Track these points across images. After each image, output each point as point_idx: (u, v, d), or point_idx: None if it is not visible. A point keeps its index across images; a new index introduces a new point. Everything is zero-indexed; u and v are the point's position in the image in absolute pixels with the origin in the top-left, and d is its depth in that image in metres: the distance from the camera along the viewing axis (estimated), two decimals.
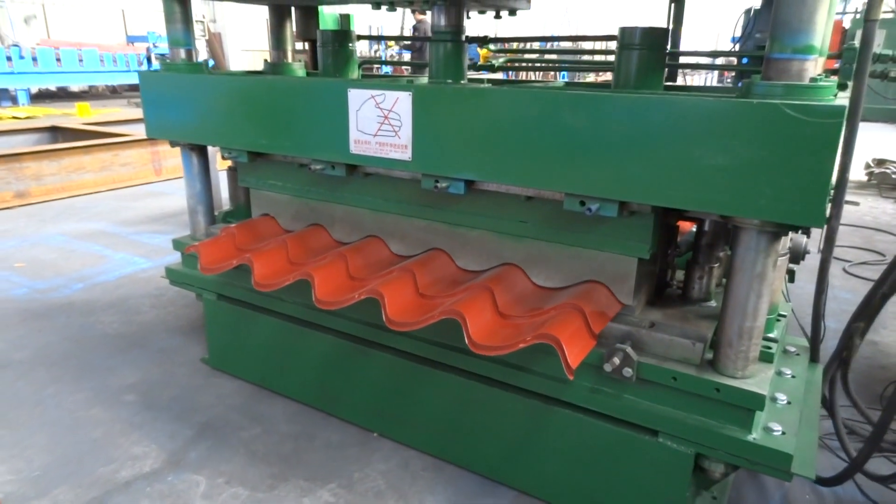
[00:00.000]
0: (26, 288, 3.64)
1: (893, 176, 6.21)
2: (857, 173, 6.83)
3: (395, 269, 2.03)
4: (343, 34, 2.51)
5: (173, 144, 2.62)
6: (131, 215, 5.26)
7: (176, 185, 6.41)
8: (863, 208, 5.74)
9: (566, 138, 1.61)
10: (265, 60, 2.92)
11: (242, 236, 2.45)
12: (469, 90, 1.78)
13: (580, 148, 1.60)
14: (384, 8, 2.70)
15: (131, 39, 18.29)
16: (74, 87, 15.85)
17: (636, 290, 1.81)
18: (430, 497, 2.00)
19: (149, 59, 14.95)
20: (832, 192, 1.86)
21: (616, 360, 1.69)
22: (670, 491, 1.76)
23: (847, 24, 11.60)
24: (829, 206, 1.74)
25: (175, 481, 2.05)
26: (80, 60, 13.77)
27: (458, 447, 2.14)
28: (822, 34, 1.38)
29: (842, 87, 1.91)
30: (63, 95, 15.65)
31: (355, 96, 1.95)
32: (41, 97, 15.00)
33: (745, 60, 2.54)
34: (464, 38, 2.12)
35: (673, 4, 2.55)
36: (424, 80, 2.41)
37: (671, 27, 2.63)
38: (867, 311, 2.01)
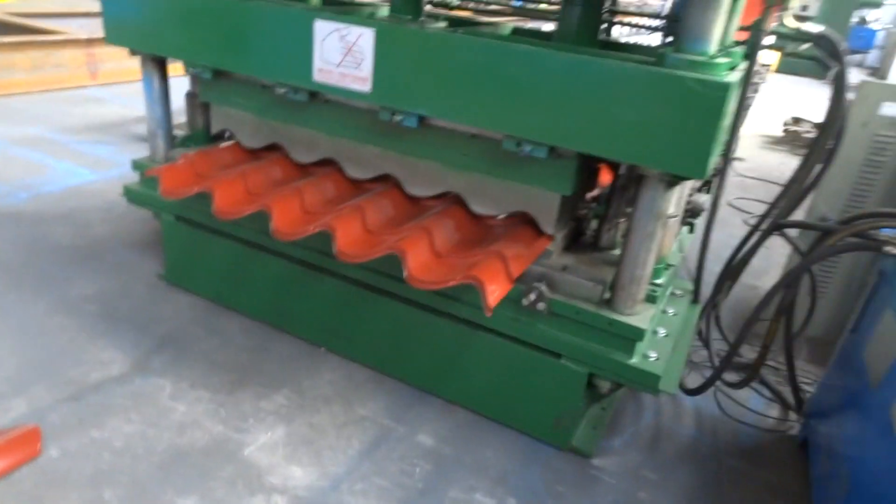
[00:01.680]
0: None
1: (804, 136, 6.77)
2: (775, 129, 7.39)
3: (346, 206, 2.27)
4: None
5: (133, 53, 2.66)
6: (71, 122, 5.14)
7: (114, 92, 6.21)
8: (772, 163, 6.30)
9: (508, 86, 1.85)
10: None
11: (202, 163, 2.59)
12: (427, 34, 1.95)
13: (519, 95, 1.84)
14: None
15: None
16: None
17: (557, 224, 2.13)
18: (372, 403, 2.35)
19: None
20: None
21: (532, 297, 2.04)
22: (568, 401, 2.17)
23: None
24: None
25: (143, 384, 2.31)
26: None
27: (396, 362, 2.49)
28: (718, 41, 1.66)
29: (748, 56, 2.19)
30: None
31: (321, 27, 2.08)
32: None
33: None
34: None
35: None
36: (384, 9, 2.54)
37: None
38: (731, 272, 2.44)
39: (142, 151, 4.51)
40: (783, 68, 12.05)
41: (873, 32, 11.85)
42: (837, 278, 2.99)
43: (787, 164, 6.27)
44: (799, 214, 2.81)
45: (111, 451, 2.00)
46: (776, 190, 2.50)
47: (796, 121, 7.10)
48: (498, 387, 2.30)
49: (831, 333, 2.95)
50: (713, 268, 2.61)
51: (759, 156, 6.45)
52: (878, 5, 11.84)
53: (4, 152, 4.35)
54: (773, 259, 3.96)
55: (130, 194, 2.85)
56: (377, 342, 2.50)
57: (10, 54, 5.59)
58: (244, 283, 2.76)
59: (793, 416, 2.54)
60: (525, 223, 2.21)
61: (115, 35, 2.60)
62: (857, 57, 12.17)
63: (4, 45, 5.55)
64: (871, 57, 12.61)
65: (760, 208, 4.85)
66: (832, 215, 2.77)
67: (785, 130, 7.08)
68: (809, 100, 9.97)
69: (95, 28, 7.49)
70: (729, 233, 4.27)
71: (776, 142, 7.08)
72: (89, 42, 6.24)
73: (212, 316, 2.76)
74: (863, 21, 11.67)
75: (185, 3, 2.36)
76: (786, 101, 9.42)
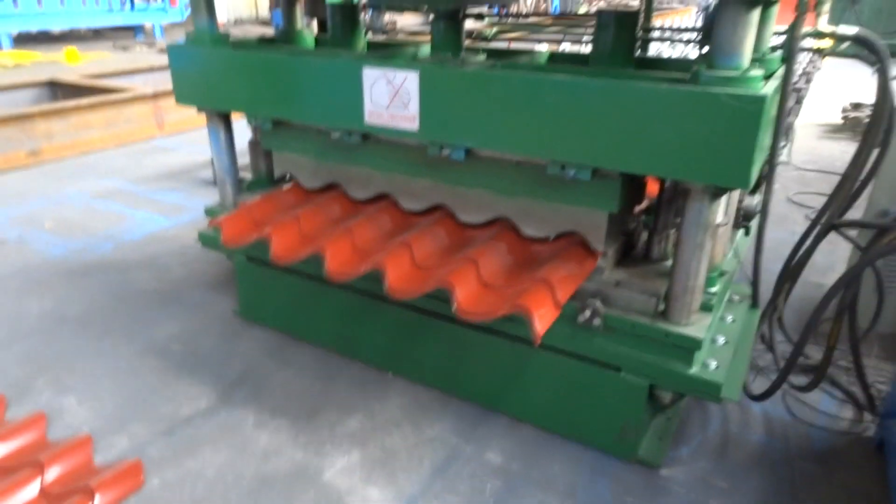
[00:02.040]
0: (62, 248, 3.99)
1: (864, 122, 6.51)
2: (833, 117, 7.13)
3: (395, 242, 2.36)
4: (351, 8, 2.78)
5: (201, 111, 2.90)
6: (143, 173, 5.54)
7: (180, 141, 6.64)
8: (834, 153, 6.09)
9: (548, 114, 1.94)
10: (276, 26, 3.11)
11: (260, 210, 2.76)
12: (467, 72, 2.06)
13: (559, 122, 1.93)
14: None
15: None
16: (56, 30, 15.53)
17: (607, 240, 2.19)
18: (439, 424, 2.45)
19: (132, 1, 14.63)
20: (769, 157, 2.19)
21: (588, 313, 2.10)
22: (630, 413, 2.21)
23: None
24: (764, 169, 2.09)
25: (228, 416, 2.49)
26: (62, 2, 13.49)
27: (459, 383, 2.58)
28: (751, 52, 1.70)
29: (785, 60, 2.20)
30: (44, 38, 15.35)
31: (369, 74, 2.23)
32: (21, 40, 14.72)
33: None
34: (461, 15, 2.41)
35: None
36: (425, 49, 2.68)
37: (643, 5, 2.90)
38: (791, 272, 2.41)
39: (209, 195, 4.84)
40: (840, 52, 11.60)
41: None
42: None
43: (850, 153, 6.05)
44: (860, 207, 2.76)
45: (205, 480, 2.18)
46: (836, 182, 2.47)
47: (855, 106, 6.84)
48: (561, 402, 2.35)
49: None
50: (774, 268, 2.59)
51: (817, 147, 6.25)
52: None
53: (88, 205, 4.74)
54: (838, 254, 3.85)
55: (205, 239, 3.07)
56: (440, 364, 2.60)
57: (87, 115, 6.10)
58: (311, 316, 2.92)
59: (868, 416, 2.48)
60: (576, 242, 2.27)
61: (183, 96, 2.85)
62: None
63: (82, 106, 6.06)
64: None
65: (821, 202, 4.72)
66: (893, 209, 2.70)
67: (844, 118, 6.82)
68: (869, 82, 9.54)
69: (158, 82, 8.01)
70: (790, 230, 4.19)
71: (835, 129, 6.83)
72: (155, 96, 6.72)
73: (284, 348, 2.94)
74: None
75: (243, 62, 2.57)
76: (844, 86, 9.05)
